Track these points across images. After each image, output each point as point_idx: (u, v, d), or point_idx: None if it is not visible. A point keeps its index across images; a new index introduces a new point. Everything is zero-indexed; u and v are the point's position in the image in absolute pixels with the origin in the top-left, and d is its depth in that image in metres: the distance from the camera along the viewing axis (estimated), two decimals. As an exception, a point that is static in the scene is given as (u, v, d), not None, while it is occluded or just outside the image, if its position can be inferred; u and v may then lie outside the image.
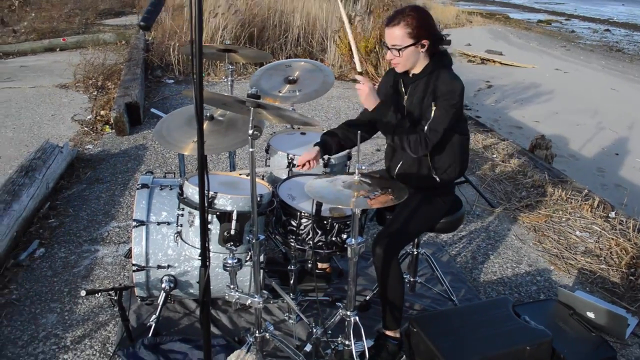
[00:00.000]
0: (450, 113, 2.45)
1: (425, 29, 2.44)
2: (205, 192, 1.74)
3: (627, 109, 9.09)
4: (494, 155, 5.62)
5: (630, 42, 18.90)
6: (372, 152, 5.53)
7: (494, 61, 12.67)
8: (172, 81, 7.99)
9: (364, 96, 2.49)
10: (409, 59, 2.49)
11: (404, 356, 2.67)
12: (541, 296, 3.38)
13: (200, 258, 1.82)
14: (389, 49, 2.49)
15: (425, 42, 2.45)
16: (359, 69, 2.57)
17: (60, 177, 4.57)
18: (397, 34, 2.43)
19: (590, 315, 2.94)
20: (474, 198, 4.62)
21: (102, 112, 6.19)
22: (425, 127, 2.45)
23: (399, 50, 2.45)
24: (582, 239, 4.04)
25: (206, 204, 1.77)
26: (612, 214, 4.33)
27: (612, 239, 3.97)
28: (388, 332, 2.65)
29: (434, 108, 2.45)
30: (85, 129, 5.88)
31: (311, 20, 9.70)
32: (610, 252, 3.84)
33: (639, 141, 7.42)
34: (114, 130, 5.76)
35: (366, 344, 2.40)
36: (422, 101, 2.51)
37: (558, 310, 2.94)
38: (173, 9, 9.67)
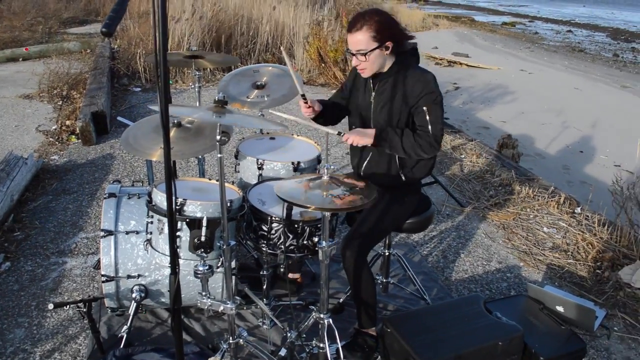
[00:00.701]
0: (439, 106, 2.50)
1: (388, 31, 2.45)
2: (174, 198, 1.72)
3: (590, 107, 9.32)
4: (462, 156, 5.70)
5: (592, 42, 19.40)
6: (342, 155, 5.55)
7: (460, 63, 12.85)
8: (139, 89, 7.89)
9: (359, 141, 2.52)
10: (375, 63, 2.49)
11: (379, 356, 2.69)
12: (511, 292, 3.43)
13: (170, 266, 1.80)
14: (353, 54, 2.49)
15: (389, 44, 2.46)
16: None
17: (25, 189, 4.46)
18: (360, 39, 2.43)
19: (560, 309, 3.00)
20: (444, 198, 4.68)
21: (68, 122, 6.08)
22: (430, 129, 2.48)
23: (364, 54, 2.44)
24: (550, 235, 4.12)
25: (175, 211, 1.75)
26: (578, 210, 4.42)
27: (579, 234, 4.05)
28: (365, 330, 2.67)
29: (424, 108, 2.47)
30: (51, 139, 5.76)
31: (279, 26, 9.71)
32: (577, 247, 3.92)
33: (603, 139, 7.61)
34: (80, 140, 5.65)
35: (340, 346, 2.40)
36: (391, 100, 2.53)
37: (528, 305, 2.98)
38: (138, 15, 9.57)
